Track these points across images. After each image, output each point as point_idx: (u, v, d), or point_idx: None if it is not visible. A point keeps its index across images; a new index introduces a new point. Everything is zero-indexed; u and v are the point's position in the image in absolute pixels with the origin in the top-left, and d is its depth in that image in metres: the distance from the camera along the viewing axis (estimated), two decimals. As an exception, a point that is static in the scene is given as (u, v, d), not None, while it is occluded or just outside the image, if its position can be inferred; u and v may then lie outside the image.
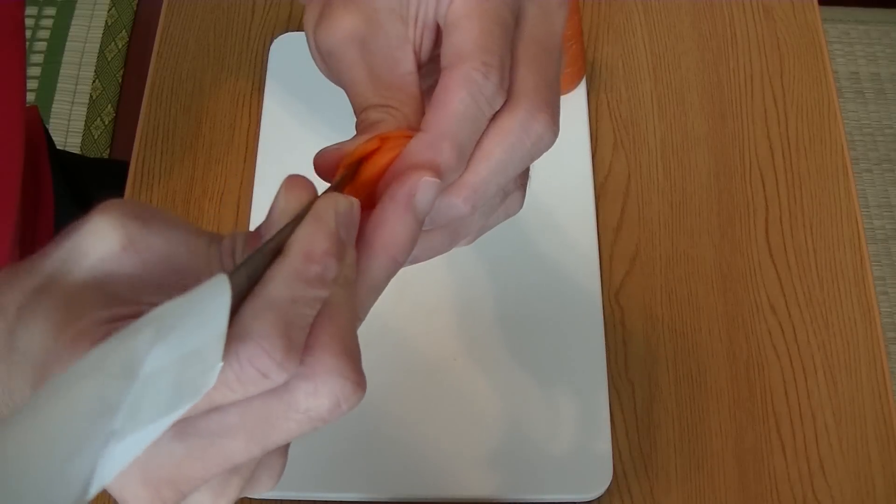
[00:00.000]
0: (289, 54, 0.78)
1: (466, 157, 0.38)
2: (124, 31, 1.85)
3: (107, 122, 1.76)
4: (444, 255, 0.71)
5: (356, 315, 0.34)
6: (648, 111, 0.77)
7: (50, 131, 0.89)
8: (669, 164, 0.75)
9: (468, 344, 0.67)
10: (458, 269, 0.69)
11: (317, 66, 0.44)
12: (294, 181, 0.34)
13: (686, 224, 0.73)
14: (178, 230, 0.33)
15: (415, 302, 0.68)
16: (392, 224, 0.35)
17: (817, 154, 0.75)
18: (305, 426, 0.31)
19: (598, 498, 0.63)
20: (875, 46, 1.88)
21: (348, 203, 0.33)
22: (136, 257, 0.32)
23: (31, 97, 1.78)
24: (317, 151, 0.38)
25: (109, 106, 1.78)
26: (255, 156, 0.74)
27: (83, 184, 0.89)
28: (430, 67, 0.43)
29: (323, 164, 0.38)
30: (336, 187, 0.36)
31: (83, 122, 1.76)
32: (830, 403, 0.67)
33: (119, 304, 0.31)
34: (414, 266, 0.71)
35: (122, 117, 1.77)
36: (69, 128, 1.76)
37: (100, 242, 0.32)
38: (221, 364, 0.28)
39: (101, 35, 1.85)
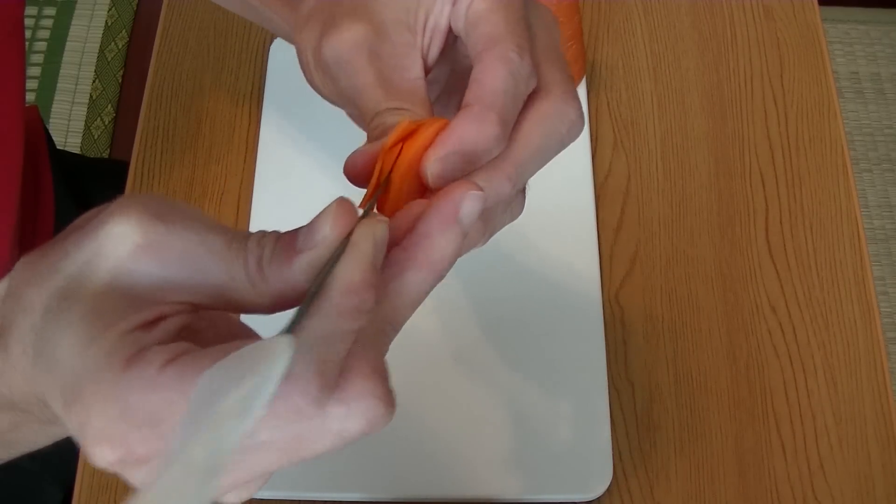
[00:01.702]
0: (289, 55, 0.78)
1: (509, 132, 0.38)
2: (124, 31, 1.85)
3: (107, 122, 1.76)
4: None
5: (383, 335, 0.34)
6: (648, 111, 0.77)
7: (50, 131, 0.89)
8: (669, 164, 0.75)
9: (467, 344, 0.67)
10: (458, 270, 0.69)
11: (313, 84, 0.44)
12: (343, 209, 0.33)
13: (686, 224, 0.73)
14: (197, 229, 0.33)
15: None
16: (437, 239, 0.35)
17: (817, 154, 0.75)
18: (338, 444, 0.32)
19: (598, 498, 0.63)
20: (875, 46, 1.88)
21: (384, 229, 0.33)
22: (155, 257, 0.32)
23: (31, 97, 1.78)
24: (347, 157, 0.38)
25: (109, 106, 1.78)
26: (255, 156, 0.74)
27: (83, 184, 0.89)
28: (436, 75, 0.43)
29: (358, 165, 0.38)
30: (376, 187, 0.36)
31: (83, 122, 1.76)
32: (830, 403, 0.67)
33: (141, 308, 0.32)
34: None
35: (122, 117, 1.77)
36: (69, 128, 1.76)
37: (119, 245, 0.32)
38: (265, 412, 0.29)
39: (101, 35, 1.85)
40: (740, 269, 0.71)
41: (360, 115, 0.41)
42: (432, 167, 0.37)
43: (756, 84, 0.78)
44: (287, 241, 0.33)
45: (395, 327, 0.35)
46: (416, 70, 0.41)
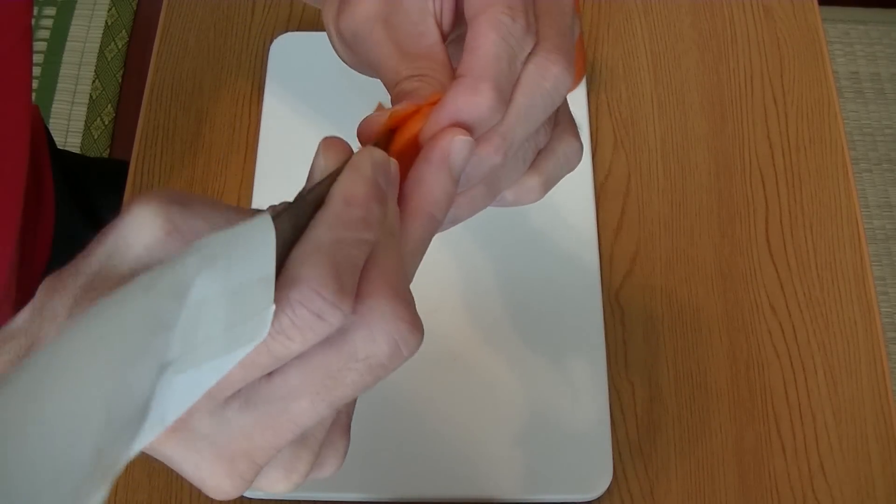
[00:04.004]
0: (289, 54, 0.78)
1: (506, 98, 0.38)
2: (124, 31, 1.85)
3: (107, 122, 1.76)
4: (445, 255, 0.71)
5: (404, 264, 0.34)
6: (648, 111, 0.77)
7: (50, 131, 0.89)
8: (669, 164, 0.75)
9: (467, 344, 0.67)
10: (458, 270, 0.69)
11: (340, 57, 0.44)
12: (330, 142, 0.34)
13: (686, 224, 0.73)
14: (219, 210, 0.32)
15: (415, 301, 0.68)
16: (428, 183, 0.35)
17: (817, 154, 0.75)
18: (367, 376, 0.31)
19: (598, 498, 0.63)
20: (875, 46, 1.88)
21: (383, 155, 0.34)
22: (182, 241, 0.31)
23: (31, 97, 1.78)
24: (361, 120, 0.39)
25: (109, 106, 1.78)
26: (255, 156, 0.74)
27: (83, 183, 0.89)
28: (455, 40, 0.43)
29: (364, 132, 0.38)
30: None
31: (83, 122, 1.76)
32: (830, 403, 0.67)
33: None
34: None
35: (122, 117, 1.77)
36: (69, 128, 1.76)
37: (143, 231, 0.31)
38: (273, 307, 0.28)
39: (101, 35, 1.85)
40: (740, 269, 0.71)
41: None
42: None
43: (756, 84, 0.78)
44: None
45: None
46: (432, 35, 0.40)
